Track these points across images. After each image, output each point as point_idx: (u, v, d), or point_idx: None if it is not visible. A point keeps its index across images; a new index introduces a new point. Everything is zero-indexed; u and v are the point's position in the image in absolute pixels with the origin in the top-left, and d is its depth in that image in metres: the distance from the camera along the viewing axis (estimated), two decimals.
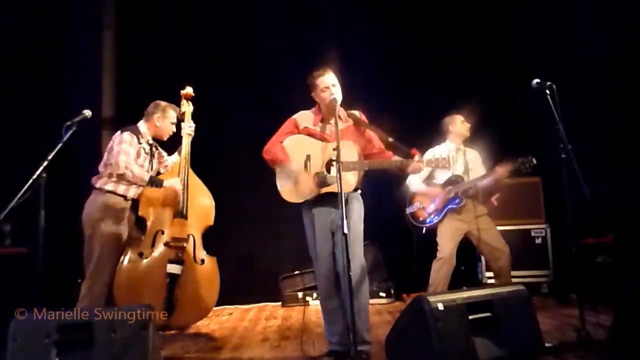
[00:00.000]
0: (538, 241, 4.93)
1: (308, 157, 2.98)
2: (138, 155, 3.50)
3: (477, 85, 5.34)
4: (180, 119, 3.85)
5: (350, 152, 2.88)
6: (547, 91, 3.05)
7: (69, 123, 3.07)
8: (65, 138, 3.02)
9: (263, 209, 5.35)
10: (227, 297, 5.36)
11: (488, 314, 2.35)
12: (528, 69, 5.06)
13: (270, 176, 3.10)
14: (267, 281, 5.51)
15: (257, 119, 5.34)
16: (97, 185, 3.43)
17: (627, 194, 4.21)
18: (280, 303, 5.36)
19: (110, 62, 5.26)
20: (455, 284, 3.99)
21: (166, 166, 3.88)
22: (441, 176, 4.03)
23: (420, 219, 4.05)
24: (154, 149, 3.70)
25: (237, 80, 5.64)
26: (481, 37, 5.50)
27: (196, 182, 3.84)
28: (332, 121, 2.94)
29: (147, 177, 3.49)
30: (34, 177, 2.77)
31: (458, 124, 4.05)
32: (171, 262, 3.38)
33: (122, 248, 3.45)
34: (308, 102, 3.16)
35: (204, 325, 4.42)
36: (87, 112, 3.24)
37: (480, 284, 4.93)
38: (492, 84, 5.35)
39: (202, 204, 3.77)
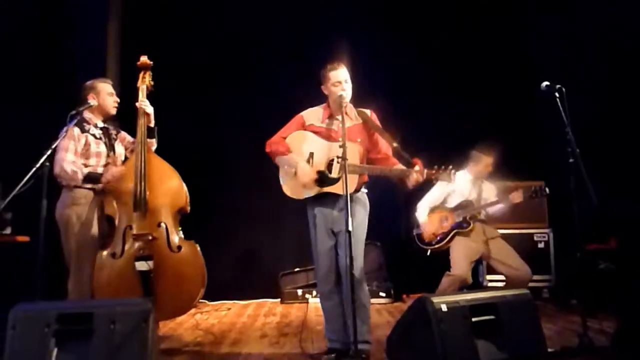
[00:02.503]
0: (540, 245, 4.92)
1: (311, 155, 2.96)
2: (86, 144, 3.23)
3: (484, 88, 5.34)
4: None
5: (352, 153, 2.82)
6: (556, 94, 3.02)
7: (73, 112, 3.04)
8: (69, 126, 3.00)
9: (264, 206, 5.34)
10: (226, 292, 5.39)
11: (491, 317, 2.33)
12: (536, 71, 5.06)
13: (271, 173, 3.09)
14: (266, 277, 5.50)
15: (259, 116, 5.34)
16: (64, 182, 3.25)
17: (632, 200, 4.19)
18: (279, 300, 5.35)
19: (116, 52, 5.24)
20: None
21: (132, 151, 3.52)
22: (453, 200, 4.04)
23: (426, 240, 4.06)
24: (111, 131, 3.44)
25: (242, 75, 5.63)
26: (489, 39, 5.49)
27: (158, 166, 3.41)
28: (340, 117, 2.92)
29: (80, 175, 3.15)
30: (37, 165, 2.74)
31: (480, 167, 4.02)
32: (137, 259, 3.13)
33: (98, 241, 3.27)
34: (314, 99, 3.13)
35: (202, 320, 4.41)
36: (92, 102, 3.22)
37: (481, 287, 4.92)
38: (500, 86, 5.33)
39: (167, 187, 3.38)
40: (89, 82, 3.38)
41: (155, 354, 2.37)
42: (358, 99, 3.07)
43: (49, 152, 2.80)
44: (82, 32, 5.07)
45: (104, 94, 3.35)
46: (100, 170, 3.24)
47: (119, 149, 3.47)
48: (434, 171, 2.77)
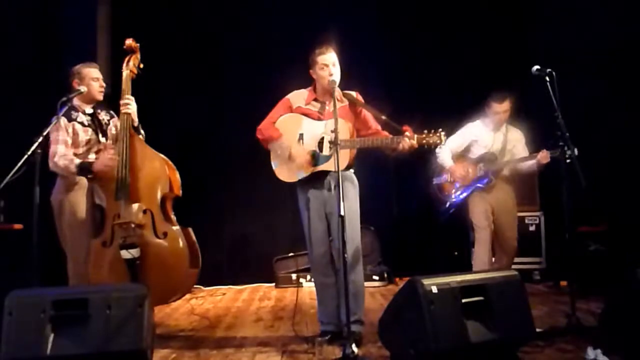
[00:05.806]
0: (532, 228, 4.96)
1: (301, 136, 3.00)
2: (75, 133, 3.21)
3: (477, 69, 5.34)
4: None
5: (341, 130, 2.84)
6: (547, 78, 3.04)
7: (64, 99, 3.03)
8: (60, 114, 2.99)
9: (258, 191, 5.35)
10: (220, 277, 5.42)
11: (481, 298, 2.36)
12: (528, 54, 5.05)
13: (265, 157, 3.10)
14: (261, 262, 5.53)
15: (252, 100, 5.30)
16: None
17: (622, 183, 4.23)
18: (273, 284, 5.39)
19: (105, 38, 5.18)
20: (448, 269, 4.00)
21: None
22: (476, 151, 3.86)
23: (446, 193, 3.94)
24: (102, 116, 3.38)
25: (233, 60, 5.61)
26: (483, 20, 5.48)
27: (141, 151, 3.28)
28: (327, 101, 2.99)
29: (73, 168, 3.12)
30: (29, 153, 2.73)
31: (490, 113, 3.78)
32: (121, 247, 3.11)
33: (91, 227, 3.28)
34: (304, 82, 3.14)
35: (197, 305, 4.44)
36: (83, 89, 3.20)
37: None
38: (492, 69, 5.33)
39: (150, 173, 3.27)
40: (74, 67, 3.32)
41: (150, 339, 2.40)
42: (350, 83, 3.07)
43: (40, 139, 2.79)
44: (71, 16, 5.01)
45: (88, 80, 3.28)
46: (91, 157, 3.23)
47: (113, 133, 3.40)
48: (424, 135, 2.81)
